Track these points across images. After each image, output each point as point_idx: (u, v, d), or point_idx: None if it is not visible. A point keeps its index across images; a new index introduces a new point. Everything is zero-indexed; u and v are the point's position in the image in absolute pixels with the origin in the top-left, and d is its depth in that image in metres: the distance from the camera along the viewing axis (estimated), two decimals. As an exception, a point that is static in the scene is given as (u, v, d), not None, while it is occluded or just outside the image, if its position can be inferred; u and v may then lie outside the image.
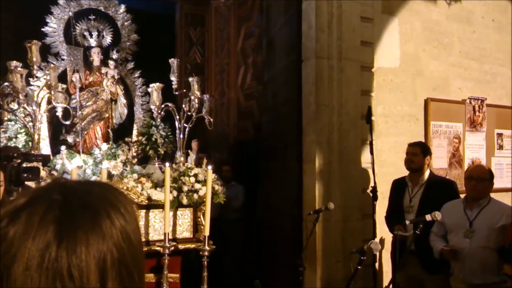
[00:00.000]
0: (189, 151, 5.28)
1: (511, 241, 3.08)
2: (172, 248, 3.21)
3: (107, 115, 4.27)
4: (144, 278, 0.72)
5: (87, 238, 0.63)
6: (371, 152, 3.82)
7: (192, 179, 3.50)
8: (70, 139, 4.07)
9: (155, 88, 3.98)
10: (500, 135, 5.25)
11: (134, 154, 4.13)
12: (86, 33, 4.28)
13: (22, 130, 3.74)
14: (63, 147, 3.81)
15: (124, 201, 0.71)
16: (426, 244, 3.47)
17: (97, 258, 0.62)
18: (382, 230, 3.98)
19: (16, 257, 0.60)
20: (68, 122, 3.80)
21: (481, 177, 3.40)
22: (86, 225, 0.64)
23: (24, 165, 2.36)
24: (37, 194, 0.67)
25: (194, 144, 5.68)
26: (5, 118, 3.82)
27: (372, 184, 3.88)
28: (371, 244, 2.35)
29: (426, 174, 3.84)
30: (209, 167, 3.31)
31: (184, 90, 4.29)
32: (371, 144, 3.82)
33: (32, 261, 0.60)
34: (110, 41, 4.39)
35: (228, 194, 5.36)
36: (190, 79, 4.04)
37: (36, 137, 3.47)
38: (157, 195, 3.38)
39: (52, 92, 3.53)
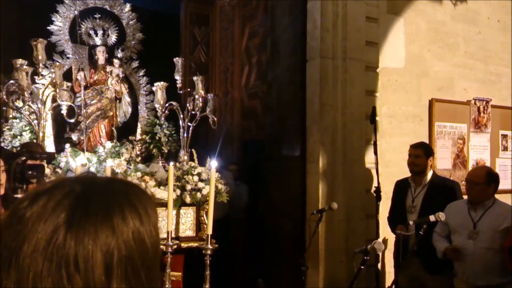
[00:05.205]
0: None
1: None
2: (175, 246, 3.21)
3: (111, 113, 4.28)
4: (154, 280, 0.70)
5: (95, 229, 0.63)
6: (375, 153, 3.81)
7: (196, 178, 3.50)
8: (74, 137, 4.09)
9: (159, 87, 3.99)
10: (504, 136, 5.22)
11: (138, 152, 4.15)
12: (91, 32, 4.30)
13: (27, 128, 3.76)
14: (67, 145, 3.83)
15: (145, 202, 0.71)
16: (427, 244, 3.45)
17: (104, 251, 0.63)
18: (385, 230, 3.98)
19: (27, 238, 0.62)
20: (72, 120, 3.81)
21: (473, 181, 3.35)
22: (97, 217, 0.64)
23: (28, 162, 2.37)
24: (61, 182, 0.70)
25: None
26: (10, 116, 3.85)
27: (375, 184, 3.87)
28: (374, 244, 2.34)
29: (429, 175, 3.83)
30: (213, 166, 3.31)
31: (188, 89, 4.30)
32: (375, 144, 3.82)
33: (39, 244, 0.61)
34: (115, 39, 4.40)
35: (236, 193, 5.39)
36: (195, 78, 4.04)
37: (40, 134, 3.49)
38: (160, 193, 3.38)
39: (57, 90, 3.54)
